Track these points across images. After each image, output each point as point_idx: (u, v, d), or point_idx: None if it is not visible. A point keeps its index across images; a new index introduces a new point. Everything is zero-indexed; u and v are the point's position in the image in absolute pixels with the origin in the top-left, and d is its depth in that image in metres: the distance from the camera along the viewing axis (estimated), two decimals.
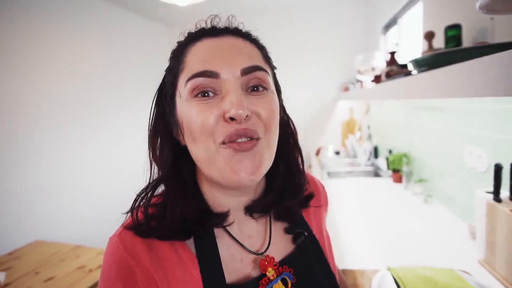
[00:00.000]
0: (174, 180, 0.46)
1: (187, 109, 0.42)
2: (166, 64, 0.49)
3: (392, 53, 1.77)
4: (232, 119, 0.40)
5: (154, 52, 3.46)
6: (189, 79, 0.42)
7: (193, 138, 0.42)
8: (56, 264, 1.65)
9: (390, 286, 0.92)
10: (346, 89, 3.23)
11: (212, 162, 0.41)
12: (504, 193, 1.02)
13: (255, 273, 0.45)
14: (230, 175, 0.40)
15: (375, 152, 2.83)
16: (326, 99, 3.66)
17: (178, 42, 0.48)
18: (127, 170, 2.80)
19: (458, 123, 1.50)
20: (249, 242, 0.47)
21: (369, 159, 2.83)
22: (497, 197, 1.00)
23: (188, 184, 0.47)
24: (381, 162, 2.62)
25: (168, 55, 0.49)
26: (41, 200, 2.31)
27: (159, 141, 0.47)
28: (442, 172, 1.67)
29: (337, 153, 3.17)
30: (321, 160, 3.07)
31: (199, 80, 0.42)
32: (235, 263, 0.45)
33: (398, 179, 2.15)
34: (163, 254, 0.42)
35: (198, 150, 0.42)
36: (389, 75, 1.57)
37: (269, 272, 0.45)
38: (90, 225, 2.58)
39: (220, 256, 0.44)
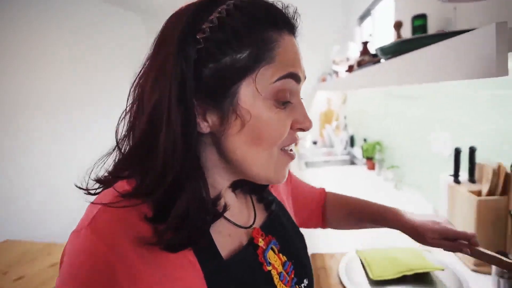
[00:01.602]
0: (197, 177, 0.38)
1: (263, 110, 0.38)
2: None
3: (365, 44, 1.80)
4: (299, 130, 0.42)
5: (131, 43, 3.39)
6: (282, 78, 0.38)
7: (259, 143, 0.38)
8: (27, 263, 1.60)
9: (356, 267, 0.95)
10: (324, 79, 3.27)
11: (267, 165, 0.41)
12: (463, 175, 1.08)
13: (243, 246, 0.46)
14: (279, 178, 0.42)
15: (351, 142, 2.89)
16: (305, 90, 3.66)
17: (249, 14, 0.38)
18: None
19: (425, 110, 1.56)
20: (234, 217, 0.47)
21: (345, 148, 2.89)
22: (456, 179, 1.05)
23: (205, 181, 0.39)
24: (357, 151, 2.68)
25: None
26: (11, 198, 2.23)
27: (176, 122, 0.35)
28: (411, 158, 1.73)
29: (315, 143, 3.22)
30: (299, 151, 3.11)
31: (292, 83, 0.39)
32: (223, 238, 0.43)
33: (372, 167, 2.21)
34: (145, 232, 0.36)
35: (258, 154, 0.39)
36: (360, 64, 1.60)
37: (260, 242, 0.46)
38: (64, 222, 2.51)
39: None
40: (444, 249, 0.57)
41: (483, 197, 0.92)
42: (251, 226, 0.48)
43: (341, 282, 0.89)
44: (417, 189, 1.66)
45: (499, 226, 0.90)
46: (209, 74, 0.36)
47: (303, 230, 0.60)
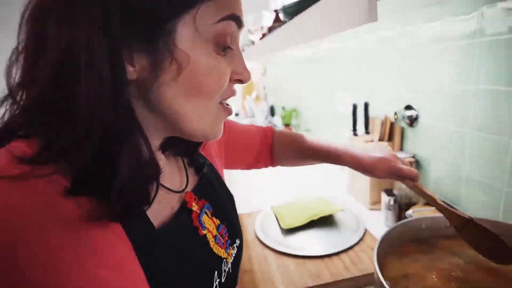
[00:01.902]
0: (135, 131, 0.32)
1: (203, 55, 0.33)
2: None
3: (277, 11, 1.82)
4: (237, 82, 0.39)
5: None
6: (225, 19, 0.34)
7: (198, 94, 0.34)
8: None
9: (270, 221, 1.00)
10: (243, 50, 3.25)
11: (204, 120, 0.37)
12: (361, 129, 1.20)
13: (175, 211, 0.42)
14: (216, 134, 0.39)
15: (272, 111, 2.99)
16: None
17: None
18: None
19: (330, 74, 1.68)
20: (165, 182, 0.43)
21: (266, 118, 2.99)
22: (355, 132, 1.17)
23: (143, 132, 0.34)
24: (278, 120, 2.79)
25: None
26: None
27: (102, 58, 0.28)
28: (321, 120, 1.87)
29: (237, 114, 3.24)
30: None
31: (234, 27, 0.35)
32: (154, 205, 0.38)
33: None
34: (65, 210, 0.28)
35: (195, 107, 0.35)
36: (270, 31, 1.62)
37: (194, 207, 0.44)
38: None
39: None
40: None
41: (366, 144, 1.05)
42: (183, 190, 0.45)
43: (257, 237, 0.93)
44: None
45: None
46: (139, 3, 0.30)
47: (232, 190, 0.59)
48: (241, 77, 0.38)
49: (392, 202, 0.94)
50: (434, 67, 0.90)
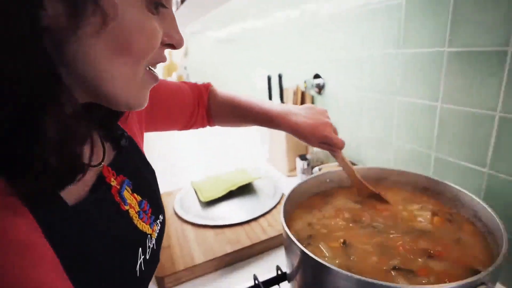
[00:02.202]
0: (59, 90, 0.27)
1: (134, 9, 0.29)
2: None
3: None
4: (169, 46, 0.35)
5: None
6: None
7: (126, 54, 0.30)
8: None
9: (190, 197, 0.98)
10: None
11: (130, 86, 0.32)
12: (276, 99, 1.24)
13: (90, 187, 0.38)
14: (141, 102, 0.35)
15: None
16: None
17: None
18: None
19: (247, 52, 1.68)
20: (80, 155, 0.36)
21: None
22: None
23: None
24: None
25: None
26: None
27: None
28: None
29: None
30: None
31: None
32: None
33: None
34: None
35: (121, 69, 0.30)
36: (183, 2, 1.54)
37: (113, 182, 0.39)
38: None
39: None
40: (322, 148, 0.63)
41: None
42: (99, 164, 0.39)
43: (175, 214, 0.89)
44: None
45: None
46: None
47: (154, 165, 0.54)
48: (173, 41, 0.35)
49: (305, 166, 0.99)
50: (336, 38, 0.96)
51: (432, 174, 0.70)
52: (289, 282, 0.56)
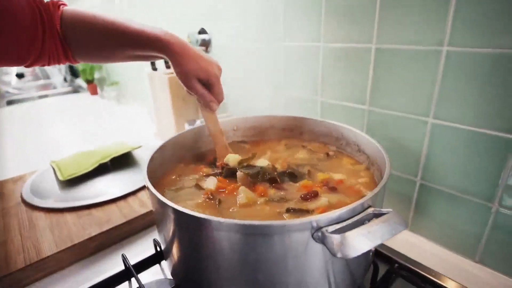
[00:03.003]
0: None
1: None
2: None
3: None
4: None
5: None
6: None
7: None
8: None
9: (47, 178, 0.76)
10: None
11: None
12: (161, 64, 1.08)
13: None
14: None
15: (72, 70, 2.44)
16: None
17: None
18: None
19: (122, 4, 1.46)
20: None
21: (66, 80, 2.43)
22: (154, 67, 1.04)
23: None
24: (83, 83, 2.31)
25: None
26: None
27: None
28: (129, 68, 1.64)
29: (21, 76, 2.47)
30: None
31: None
32: None
33: (94, 91, 1.97)
34: None
35: None
36: None
37: None
38: None
39: None
40: (198, 100, 0.52)
41: (172, 74, 0.95)
42: None
43: (23, 201, 0.67)
44: (139, 101, 1.62)
45: (188, 97, 0.97)
46: None
47: None
48: None
49: None
50: None
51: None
52: (166, 259, 0.46)
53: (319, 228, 0.30)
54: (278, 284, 0.33)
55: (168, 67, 1.08)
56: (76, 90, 2.35)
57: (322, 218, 0.30)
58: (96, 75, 1.84)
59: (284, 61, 0.73)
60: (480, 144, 0.45)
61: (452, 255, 0.52)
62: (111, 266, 0.52)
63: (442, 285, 0.45)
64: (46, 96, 2.22)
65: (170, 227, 0.37)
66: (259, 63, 0.81)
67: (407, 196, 0.57)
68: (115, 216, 0.61)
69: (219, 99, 0.53)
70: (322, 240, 0.29)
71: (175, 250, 0.39)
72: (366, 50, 0.56)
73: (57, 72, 2.42)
